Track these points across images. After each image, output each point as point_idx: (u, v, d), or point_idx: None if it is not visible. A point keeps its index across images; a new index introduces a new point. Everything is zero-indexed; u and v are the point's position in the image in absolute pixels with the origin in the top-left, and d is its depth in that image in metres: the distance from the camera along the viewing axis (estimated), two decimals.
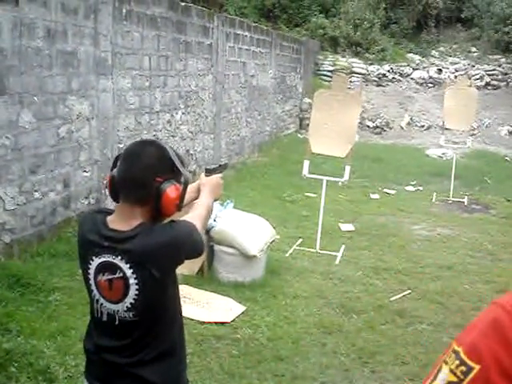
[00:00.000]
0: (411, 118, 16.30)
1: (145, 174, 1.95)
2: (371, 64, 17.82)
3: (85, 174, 6.41)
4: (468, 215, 8.89)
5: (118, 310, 1.98)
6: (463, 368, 0.83)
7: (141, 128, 7.50)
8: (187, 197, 2.31)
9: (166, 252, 1.95)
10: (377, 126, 15.95)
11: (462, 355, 0.84)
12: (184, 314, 4.64)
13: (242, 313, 4.88)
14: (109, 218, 2.01)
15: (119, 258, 1.93)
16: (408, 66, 18.09)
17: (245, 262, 5.50)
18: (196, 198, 2.30)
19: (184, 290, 5.15)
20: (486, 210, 9.27)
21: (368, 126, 15.89)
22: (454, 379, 0.83)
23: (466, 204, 9.52)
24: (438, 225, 8.19)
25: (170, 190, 1.96)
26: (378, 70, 17.65)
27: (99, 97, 6.53)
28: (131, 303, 1.96)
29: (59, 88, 5.84)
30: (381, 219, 8.31)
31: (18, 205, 5.41)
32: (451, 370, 0.85)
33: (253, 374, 3.98)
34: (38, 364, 3.77)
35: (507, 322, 0.83)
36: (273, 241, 5.92)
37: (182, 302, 5.06)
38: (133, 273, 1.93)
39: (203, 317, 4.73)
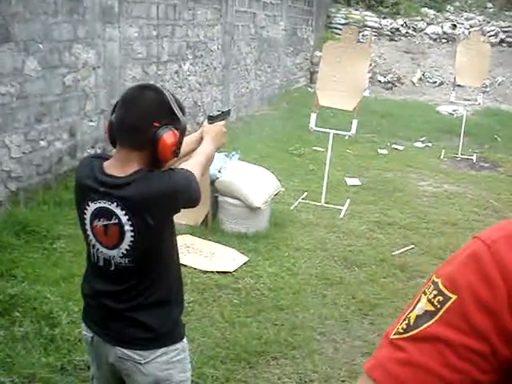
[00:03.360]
0: (423, 74, 16.07)
1: (142, 118, 1.93)
2: (384, 18, 17.50)
3: (91, 123, 6.39)
4: (476, 173, 8.84)
5: (113, 256, 2.00)
6: (440, 298, 0.85)
7: (148, 78, 7.44)
8: (188, 148, 2.30)
9: (161, 200, 1.94)
10: (388, 81, 15.75)
11: (440, 286, 0.86)
12: (187, 263, 4.74)
13: (245, 263, 4.93)
14: (106, 164, 2.00)
15: (115, 204, 1.93)
16: (422, 20, 17.74)
17: (249, 214, 5.52)
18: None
19: (188, 239, 5.21)
20: (494, 168, 9.21)
21: (379, 81, 15.69)
22: (431, 308, 0.85)
23: (474, 161, 9.46)
24: (445, 181, 8.16)
25: (167, 136, 1.93)
26: (391, 24, 17.33)
27: (105, 45, 6.47)
28: (126, 249, 1.97)
29: (65, 36, 5.79)
30: (388, 174, 8.29)
31: (23, 153, 5.43)
32: (429, 300, 0.86)
33: (253, 323, 4.04)
34: (42, 309, 3.83)
35: (486, 256, 0.84)
36: (277, 193, 5.93)
37: (185, 252, 5.13)
38: (128, 220, 1.93)
39: (206, 266, 4.77)
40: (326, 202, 6.62)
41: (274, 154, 8.48)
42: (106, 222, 1.96)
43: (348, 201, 6.84)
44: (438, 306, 0.84)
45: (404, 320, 0.88)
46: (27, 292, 4.02)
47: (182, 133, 2.00)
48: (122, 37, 6.75)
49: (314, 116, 6.81)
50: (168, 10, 7.79)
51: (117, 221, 1.94)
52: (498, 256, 0.83)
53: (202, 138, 2.31)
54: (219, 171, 5.56)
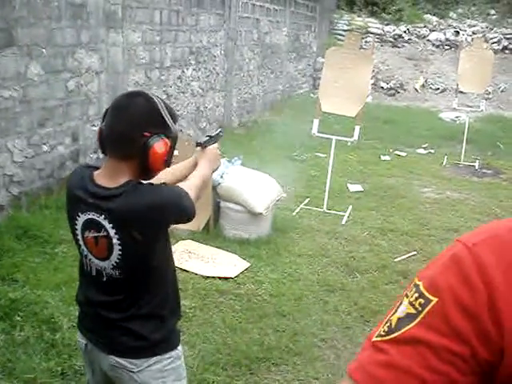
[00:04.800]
0: (426, 81, 16.08)
1: (132, 127, 1.87)
2: (387, 24, 17.52)
3: (93, 128, 6.39)
4: (478, 179, 8.83)
5: (104, 267, 1.98)
6: (421, 300, 0.85)
7: (151, 83, 7.46)
8: (184, 173, 2.23)
9: (148, 215, 1.89)
10: (391, 88, 15.76)
11: (422, 288, 0.86)
12: (188, 268, 4.73)
13: (246, 269, 4.92)
14: (96, 173, 1.96)
15: (102, 216, 1.90)
16: (425, 27, 17.76)
17: (251, 219, 5.52)
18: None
19: (189, 245, 5.20)
20: (496, 174, 9.20)
21: (382, 88, 15.70)
22: (413, 311, 0.86)
23: (476, 168, 9.44)
24: (448, 188, 8.15)
25: (158, 145, 1.88)
26: (394, 30, 17.35)
27: (109, 50, 6.49)
28: (116, 262, 1.94)
29: (68, 41, 5.80)
30: (390, 181, 8.28)
31: (26, 157, 5.44)
32: (410, 303, 0.87)
33: (254, 329, 4.03)
34: (43, 313, 3.84)
35: (466, 258, 0.84)
36: (279, 199, 5.92)
37: (187, 257, 5.10)
38: (115, 233, 1.90)
39: (207, 272, 4.76)
40: (328, 208, 6.61)
41: (277, 160, 8.47)
42: (95, 234, 1.94)
43: (350, 207, 6.83)
44: (420, 309, 0.85)
45: (386, 323, 0.89)
46: (28, 296, 4.03)
47: (174, 141, 1.96)
48: (125, 42, 6.76)
49: (316, 122, 6.81)
50: (171, 16, 7.81)
51: (105, 233, 1.91)
52: (478, 259, 0.83)
53: (196, 164, 2.24)
54: (221, 177, 5.55)
